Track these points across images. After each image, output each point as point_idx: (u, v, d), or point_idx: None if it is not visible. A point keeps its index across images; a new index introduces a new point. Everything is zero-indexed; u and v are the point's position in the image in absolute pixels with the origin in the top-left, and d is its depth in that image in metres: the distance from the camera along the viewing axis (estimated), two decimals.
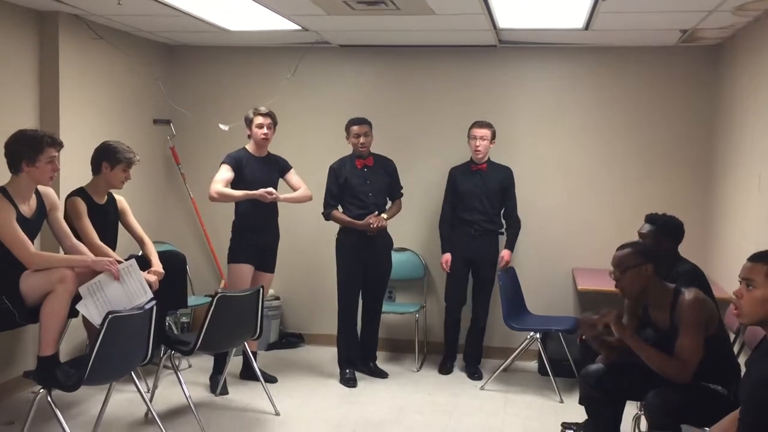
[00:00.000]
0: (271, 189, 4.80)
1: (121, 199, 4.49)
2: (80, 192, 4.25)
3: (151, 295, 3.85)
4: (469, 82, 5.80)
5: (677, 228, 3.87)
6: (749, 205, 4.41)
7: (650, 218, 4.00)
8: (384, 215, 5.07)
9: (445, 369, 5.36)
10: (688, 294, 3.22)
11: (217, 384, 4.78)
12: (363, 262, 5.11)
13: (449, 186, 5.37)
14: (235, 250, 4.89)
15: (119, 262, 3.90)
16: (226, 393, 4.79)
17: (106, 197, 4.36)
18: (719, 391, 3.18)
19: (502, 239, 5.35)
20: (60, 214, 4.02)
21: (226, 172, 4.80)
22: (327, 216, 5.14)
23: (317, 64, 5.95)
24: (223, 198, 4.79)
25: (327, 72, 5.99)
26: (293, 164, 5.14)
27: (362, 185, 5.09)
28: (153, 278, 4.07)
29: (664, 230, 3.82)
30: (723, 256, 4.93)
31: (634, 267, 3.28)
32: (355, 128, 5.05)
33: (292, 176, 5.07)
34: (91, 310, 3.66)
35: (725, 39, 5.08)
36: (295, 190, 5.03)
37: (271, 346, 5.90)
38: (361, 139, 5.03)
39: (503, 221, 5.35)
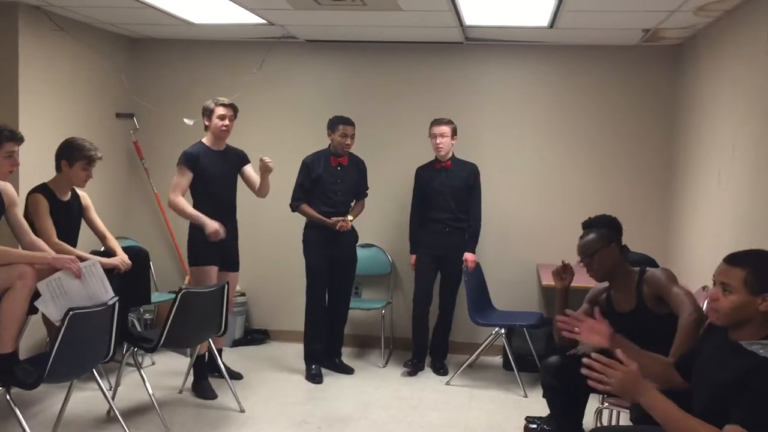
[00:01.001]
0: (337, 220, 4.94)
1: (84, 195, 4.43)
2: (43, 188, 4.17)
3: (113, 294, 3.78)
4: (435, 79, 5.82)
5: (614, 222, 3.90)
6: (708, 202, 4.50)
7: (588, 223, 4.05)
8: (350, 217, 5.10)
9: (411, 367, 5.32)
10: (655, 269, 3.43)
11: (204, 390, 4.67)
12: (330, 258, 5.10)
13: (416, 186, 5.37)
14: (197, 252, 4.67)
15: (82, 259, 3.83)
16: (216, 396, 4.65)
17: (69, 193, 4.28)
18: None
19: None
20: (19, 209, 3.94)
21: (183, 177, 4.61)
22: (295, 208, 5.12)
23: (283, 59, 5.91)
24: (176, 211, 4.66)
25: (293, 67, 5.96)
26: (256, 160, 5.08)
27: (333, 184, 5.08)
28: (118, 260, 4.04)
29: (610, 228, 3.85)
30: (683, 252, 5.03)
31: (601, 249, 3.42)
32: (346, 128, 5.05)
33: (250, 170, 4.92)
34: (51, 307, 3.59)
35: (686, 39, 5.17)
36: (252, 183, 4.88)
37: (236, 343, 5.86)
38: (348, 140, 5.05)
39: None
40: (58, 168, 4.20)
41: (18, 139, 3.73)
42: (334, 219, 4.99)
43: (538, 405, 4.40)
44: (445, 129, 5.18)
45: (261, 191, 4.87)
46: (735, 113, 4.09)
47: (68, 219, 4.24)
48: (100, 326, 3.64)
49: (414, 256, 5.34)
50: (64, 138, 4.28)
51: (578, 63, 5.67)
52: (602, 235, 3.46)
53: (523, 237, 5.77)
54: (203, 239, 4.61)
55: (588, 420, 3.68)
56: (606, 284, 3.62)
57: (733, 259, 2.46)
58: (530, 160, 5.77)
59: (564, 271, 3.62)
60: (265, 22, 5.08)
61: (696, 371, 2.62)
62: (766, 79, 3.60)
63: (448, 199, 5.23)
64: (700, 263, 4.42)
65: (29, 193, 4.16)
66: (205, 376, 4.73)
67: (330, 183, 5.08)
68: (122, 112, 5.87)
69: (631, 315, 3.43)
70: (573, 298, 3.63)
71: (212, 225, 4.55)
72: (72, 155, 4.16)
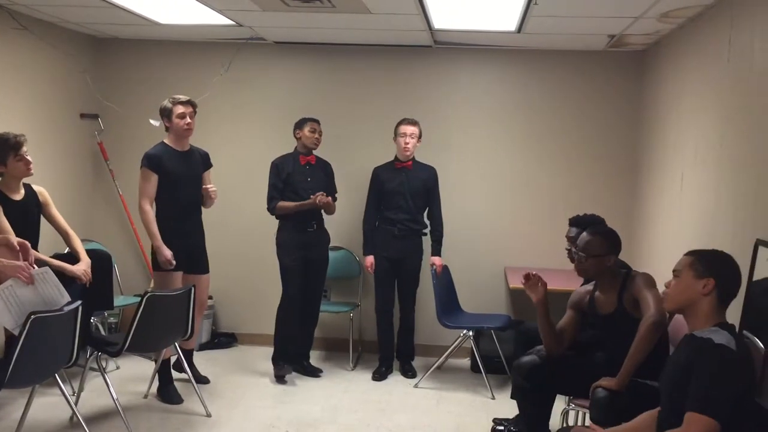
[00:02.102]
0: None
1: (42, 191, 4.30)
2: None
3: (69, 298, 3.70)
4: (404, 83, 5.83)
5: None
6: (672, 206, 4.58)
7: (575, 221, 4.13)
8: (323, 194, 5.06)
9: (379, 375, 5.30)
10: (638, 273, 3.49)
11: (170, 395, 4.61)
12: (302, 257, 5.08)
13: (373, 186, 5.35)
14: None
15: (40, 263, 3.75)
16: (182, 401, 4.59)
17: (23, 191, 4.17)
18: (656, 387, 3.29)
19: (426, 240, 5.35)
20: None
21: (149, 181, 4.51)
22: (273, 209, 5.08)
23: (252, 61, 5.88)
24: (142, 221, 4.56)
25: (262, 69, 5.93)
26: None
27: (304, 182, 5.07)
28: (81, 271, 3.99)
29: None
30: (648, 255, 5.10)
31: (602, 256, 3.47)
32: (314, 124, 5.09)
33: (208, 176, 4.83)
34: (4, 315, 3.49)
35: (651, 45, 5.25)
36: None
37: (203, 347, 5.80)
38: (317, 135, 5.08)
39: (427, 222, 5.36)
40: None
41: None
42: (312, 198, 4.92)
43: (505, 407, 4.43)
44: (414, 129, 5.19)
45: (206, 205, 4.84)
46: (697, 118, 4.16)
47: (24, 218, 4.11)
48: (63, 330, 3.57)
49: (370, 258, 5.30)
50: (28, 138, 4.17)
51: (545, 67, 5.73)
52: (609, 244, 3.49)
53: (491, 240, 5.81)
54: (171, 244, 4.54)
55: (554, 421, 3.71)
56: (590, 286, 3.66)
57: (689, 251, 2.63)
58: (497, 163, 5.81)
59: (535, 283, 3.58)
60: (233, 23, 5.05)
61: (662, 372, 2.68)
62: (727, 85, 3.68)
63: (407, 200, 5.22)
64: (664, 265, 4.48)
65: None
66: (171, 381, 4.67)
67: (301, 181, 5.06)
68: (87, 113, 5.78)
69: (610, 317, 3.47)
70: (553, 301, 3.65)
71: (165, 254, 4.48)
72: (1, 153, 4.03)
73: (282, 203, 5.04)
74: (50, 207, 4.32)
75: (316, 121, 5.14)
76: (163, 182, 4.56)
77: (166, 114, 4.60)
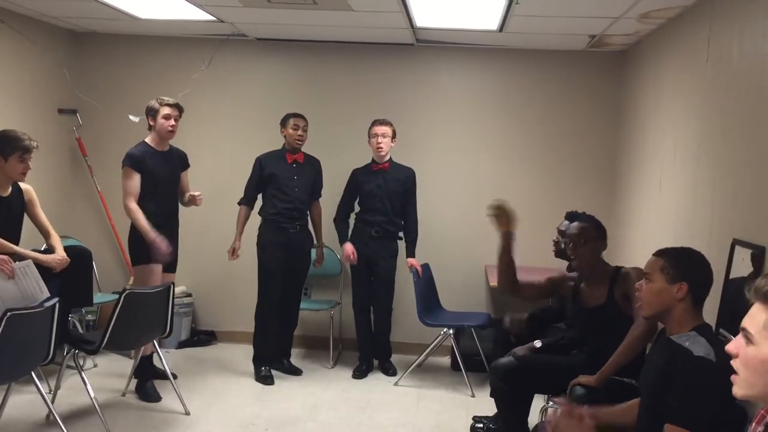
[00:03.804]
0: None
1: (28, 189, 4.24)
2: None
3: (48, 294, 3.67)
4: (386, 80, 5.82)
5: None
6: (651, 206, 4.61)
7: (571, 216, 4.17)
8: (323, 245, 5.35)
9: (360, 373, 5.30)
10: (630, 268, 3.50)
11: (148, 392, 4.56)
12: (283, 259, 5.06)
13: (348, 187, 5.32)
14: (142, 251, 4.51)
15: (19, 258, 3.71)
16: (160, 398, 4.55)
17: (10, 188, 4.12)
18: (635, 385, 3.31)
19: (402, 243, 5.33)
20: None
21: (132, 180, 4.48)
22: (239, 203, 5.15)
23: (233, 57, 5.84)
24: (130, 218, 4.52)
25: (243, 65, 5.90)
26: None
27: (289, 179, 5.04)
28: (55, 259, 3.95)
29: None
30: (627, 255, 5.14)
31: (594, 240, 3.53)
32: (297, 120, 5.06)
33: (186, 176, 4.82)
34: None
35: (631, 45, 5.29)
36: (183, 190, 4.80)
37: (182, 344, 5.76)
38: (299, 132, 5.04)
39: (401, 223, 5.33)
40: None
41: None
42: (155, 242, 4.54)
43: (485, 405, 4.44)
44: (386, 129, 5.17)
45: (186, 204, 4.84)
46: (676, 119, 4.20)
47: (8, 215, 4.06)
48: (40, 328, 3.53)
49: (348, 245, 5.22)
50: None
51: (527, 67, 5.75)
52: (602, 231, 3.58)
53: (471, 239, 5.82)
54: (145, 240, 4.50)
55: (533, 419, 3.72)
56: (575, 275, 3.67)
57: (657, 252, 2.59)
58: (478, 162, 5.83)
59: (501, 213, 3.50)
60: (215, 18, 5.01)
61: (641, 373, 2.69)
62: (706, 86, 3.71)
63: (384, 202, 5.20)
64: (642, 265, 4.52)
65: None
66: (149, 378, 4.63)
67: (286, 179, 5.02)
68: (64, 108, 5.72)
69: (598, 310, 3.48)
70: (513, 298, 3.68)
71: (162, 246, 4.44)
72: (5, 148, 3.97)
73: (240, 210, 5.13)
74: (35, 206, 4.26)
75: (300, 117, 5.09)
76: (145, 182, 4.52)
77: (151, 113, 4.55)
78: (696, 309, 2.50)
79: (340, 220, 5.33)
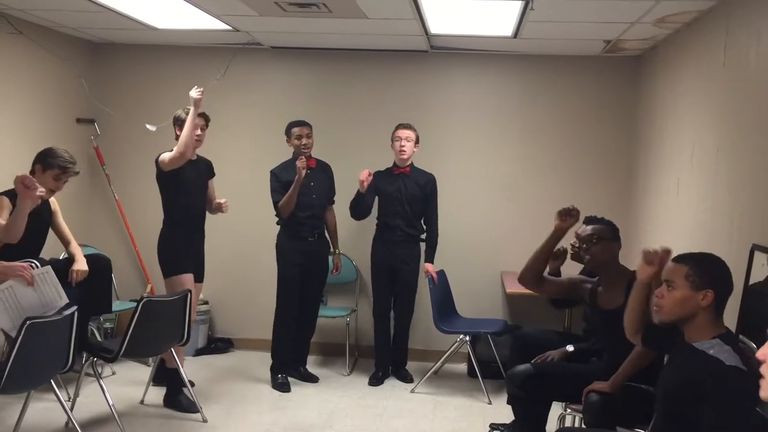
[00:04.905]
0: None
1: (53, 201, 4.34)
2: (10, 192, 4.07)
3: (67, 300, 3.70)
4: (400, 87, 5.84)
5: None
6: (668, 211, 4.58)
7: (590, 220, 4.15)
8: (339, 251, 5.35)
9: (376, 380, 5.27)
10: None
11: (182, 403, 4.53)
12: (302, 267, 5.07)
13: (369, 188, 5.22)
14: (173, 261, 4.54)
15: (39, 261, 3.76)
16: (198, 410, 4.47)
17: (39, 199, 4.17)
18: (651, 391, 3.28)
19: (423, 245, 5.32)
20: None
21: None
22: (279, 210, 4.99)
23: (248, 66, 5.88)
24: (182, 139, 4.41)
25: (258, 74, 5.93)
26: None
27: (306, 187, 5.02)
28: (80, 268, 3.99)
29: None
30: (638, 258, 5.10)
31: (609, 240, 3.53)
32: (295, 130, 5.03)
33: (212, 184, 4.85)
34: (3, 317, 3.49)
35: (646, 50, 5.26)
36: (210, 198, 4.81)
37: (199, 352, 5.79)
38: (303, 140, 5.00)
39: (423, 227, 5.33)
40: (32, 172, 4.11)
41: None
42: (299, 166, 4.82)
43: (502, 412, 4.42)
44: (410, 133, 5.17)
45: (212, 212, 4.85)
46: (693, 123, 4.17)
47: (35, 224, 4.09)
48: (59, 336, 3.56)
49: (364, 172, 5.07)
50: (23, 142, 4.20)
51: (541, 72, 5.74)
52: (613, 231, 3.57)
53: (488, 245, 5.80)
54: (182, 248, 4.54)
55: (551, 427, 3.71)
56: (594, 279, 3.65)
57: (678, 258, 2.56)
58: (494, 168, 5.82)
59: (570, 214, 3.59)
60: (230, 28, 5.05)
61: (660, 374, 2.67)
62: (723, 90, 3.69)
63: (404, 206, 5.20)
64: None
65: None
66: (181, 389, 4.58)
67: (304, 186, 4.99)
68: (83, 118, 5.78)
69: (615, 313, 3.42)
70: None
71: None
72: (47, 161, 4.07)
73: (282, 202, 4.97)
74: (58, 216, 4.36)
75: (303, 125, 5.05)
76: (177, 189, 4.55)
77: (178, 123, 4.55)
78: (717, 316, 2.48)
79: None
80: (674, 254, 2.67)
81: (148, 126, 5.41)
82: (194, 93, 4.38)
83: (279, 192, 5.01)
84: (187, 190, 4.58)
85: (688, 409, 2.35)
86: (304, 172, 4.84)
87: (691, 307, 2.45)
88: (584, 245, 3.57)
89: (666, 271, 2.56)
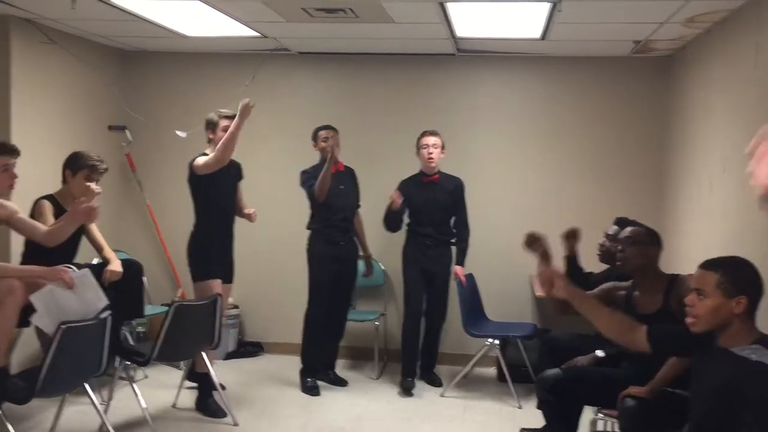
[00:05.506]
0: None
1: None
2: (49, 197, 4.20)
3: (107, 302, 3.77)
4: (427, 91, 5.84)
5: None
6: (701, 211, 4.52)
7: (620, 221, 4.13)
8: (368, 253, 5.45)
9: (405, 389, 5.12)
10: (687, 275, 3.36)
11: (211, 408, 4.55)
12: (334, 272, 5.09)
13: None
14: (203, 266, 4.58)
15: (75, 265, 3.82)
16: (225, 415, 4.51)
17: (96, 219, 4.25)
18: (687, 396, 3.24)
19: (455, 249, 5.32)
20: (22, 214, 3.92)
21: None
22: (314, 193, 4.96)
23: (276, 72, 5.92)
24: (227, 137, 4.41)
25: (286, 79, 5.97)
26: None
27: (337, 190, 5.04)
28: (115, 269, 4.09)
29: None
30: (673, 262, 5.04)
31: (644, 244, 3.47)
32: (322, 133, 5.06)
33: (240, 188, 4.88)
34: (45, 320, 3.56)
35: (676, 50, 5.20)
36: (240, 202, 4.85)
37: (229, 356, 5.83)
38: (330, 142, 5.02)
39: (453, 231, 5.32)
40: (64, 179, 4.23)
41: (11, 152, 3.71)
42: (325, 148, 4.91)
43: (532, 416, 4.38)
44: (437, 140, 5.16)
45: (240, 216, 4.88)
46: (724, 124, 4.12)
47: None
48: (93, 340, 3.62)
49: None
50: (56, 150, 4.29)
51: (570, 74, 5.70)
52: (653, 236, 3.52)
53: (517, 248, 5.66)
54: (212, 252, 4.58)
55: (583, 431, 3.67)
56: (628, 283, 3.61)
57: (706, 265, 2.52)
58: (523, 170, 5.79)
59: (571, 237, 3.58)
60: (258, 34, 5.09)
61: (692, 381, 2.63)
62: (754, 90, 3.63)
63: (434, 214, 5.18)
64: (690, 272, 4.43)
65: (35, 201, 4.19)
66: (211, 393, 4.61)
67: (334, 190, 5.01)
68: (114, 125, 5.86)
69: (652, 316, 3.39)
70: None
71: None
72: (76, 164, 4.20)
73: (316, 183, 4.93)
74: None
75: (329, 128, 5.08)
76: (208, 193, 4.58)
77: (211, 126, 4.59)
78: (752, 320, 2.45)
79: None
80: (707, 256, 2.63)
81: (178, 132, 5.48)
82: (244, 104, 4.36)
83: (312, 181, 4.99)
84: (217, 193, 4.62)
85: (727, 414, 2.32)
86: (333, 150, 4.86)
87: (724, 314, 2.42)
88: (619, 246, 3.53)
89: (695, 279, 2.52)
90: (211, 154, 4.43)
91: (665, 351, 2.87)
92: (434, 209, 5.18)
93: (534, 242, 3.60)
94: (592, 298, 3.17)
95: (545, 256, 3.52)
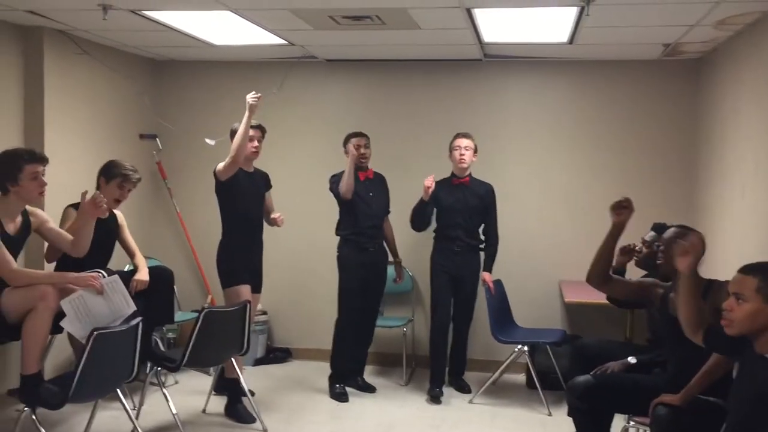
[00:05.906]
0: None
1: (120, 214, 4.52)
2: (78, 205, 4.23)
3: (135, 308, 3.81)
4: (455, 97, 5.83)
5: None
6: (733, 214, 4.45)
7: (657, 227, 4.07)
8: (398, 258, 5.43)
9: (433, 397, 5.09)
10: (723, 282, 3.25)
11: (240, 414, 4.58)
12: (363, 278, 5.10)
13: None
14: (231, 272, 4.60)
15: (106, 271, 3.88)
16: (254, 420, 4.52)
17: (107, 212, 4.32)
18: (720, 404, 3.18)
19: (482, 255, 5.28)
20: (52, 224, 4.00)
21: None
22: (343, 194, 4.98)
23: (304, 79, 5.96)
24: (237, 141, 4.46)
25: (314, 86, 6.01)
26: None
27: (366, 197, 5.07)
28: (142, 278, 4.14)
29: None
30: (707, 265, 4.96)
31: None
32: (354, 140, 5.07)
33: (269, 196, 4.92)
34: (76, 326, 3.62)
35: (707, 53, 5.14)
36: (268, 210, 4.87)
37: (258, 362, 5.87)
38: (362, 150, 5.04)
39: (482, 237, 5.30)
40: (97, 186, 4.31)
41: (39, 160, 3.77)
42: (352, 153, 4.97)
43: (562, 424, 4.34)
44: (469, 142, 5.15)
45: (270, 223, 4.91)
46: (757, 126, 4.05)
47: (103, 236, 4.24)
48: (124, 346, 3.66)
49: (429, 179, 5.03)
50: (89, 158, 4.36)
51: (598, 78, 5.65)
52: (703, 242, 3.40)
53: (546, 254, 5.73)
54: (240, 259, 4.62)
55: None
56: (668, 284, 3.56)
57: (746, 269, 2.49)
58: (552, 175, 5.75)
59: (622, 206, 3.47)
60: (286, 42, 5.14)
61: (732, 385, 2.59)
62: None
63: (464, 217, 5.17)
64: (724, 276, 4.36)
65: (65, 208, 4.27)
66: (240, 399, 4.64)
67: (364, 196, 5.05)
68: (145, 133, 5.94)
69: None
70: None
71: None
72: (110, 172, 4.29)
73: (341, 182, 4.98)
74: (124, 229, 4.54)
75: (361, 135, 5.11)
76: (234, 201, 4.62)
77: (234, 135, 4.60)
78: None
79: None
80: (742, 262, 2.59)
81: (207, 140, 5.53)
82: (250, 97, 4.42)
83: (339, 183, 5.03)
84: (243, 201, 4.65)
85: (763, 423, 2.27)
86: (356, 151, 4.95)
87: (763, 319, 2.39)
88: (662, 247, 3.46)
89: (734, 283, 2.49)
90: (228, 157, 4.48)
91: (715, 347, 2.82)
92: (463, 211, 5.17)
93: (622, 209, 3.44)
94: (702, 281, 3.13)
95: (620, 227, 3.42)
